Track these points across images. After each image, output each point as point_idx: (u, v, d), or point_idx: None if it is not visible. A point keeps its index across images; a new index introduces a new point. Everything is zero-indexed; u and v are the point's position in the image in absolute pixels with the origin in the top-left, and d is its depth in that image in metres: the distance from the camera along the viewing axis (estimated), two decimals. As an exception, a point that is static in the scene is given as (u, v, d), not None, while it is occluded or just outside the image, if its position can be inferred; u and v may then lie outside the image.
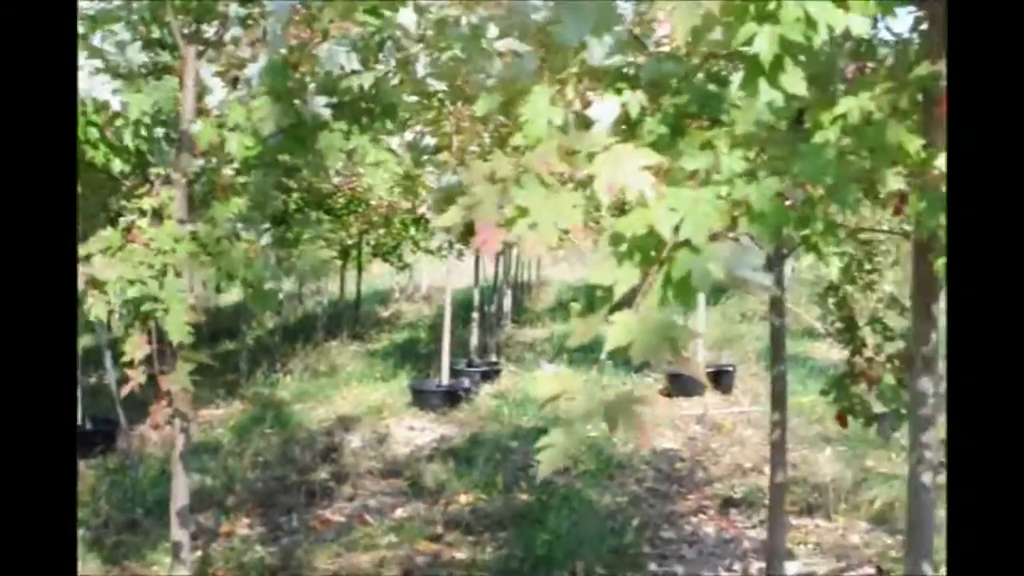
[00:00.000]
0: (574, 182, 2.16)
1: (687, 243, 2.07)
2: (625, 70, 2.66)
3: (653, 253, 2.09)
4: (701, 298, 11.87)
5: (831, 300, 5.24)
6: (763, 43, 2.06)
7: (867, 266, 5.15)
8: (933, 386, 2.78)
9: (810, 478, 7.65)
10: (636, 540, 6.54)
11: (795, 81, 2.12)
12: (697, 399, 10.95)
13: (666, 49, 3.13)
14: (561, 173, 2.15)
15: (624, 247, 2.10)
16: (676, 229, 2.08)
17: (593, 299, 2.13)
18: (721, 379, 11.50)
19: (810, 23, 2.07)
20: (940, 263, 2.17)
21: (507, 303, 17.23)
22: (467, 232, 2.44)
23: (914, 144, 2.36)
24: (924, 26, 2.73)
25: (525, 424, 9.54)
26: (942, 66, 2.49)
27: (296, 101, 3.84)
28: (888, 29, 3.11)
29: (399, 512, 7.18)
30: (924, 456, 2.80)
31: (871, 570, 6.00)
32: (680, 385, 11.16)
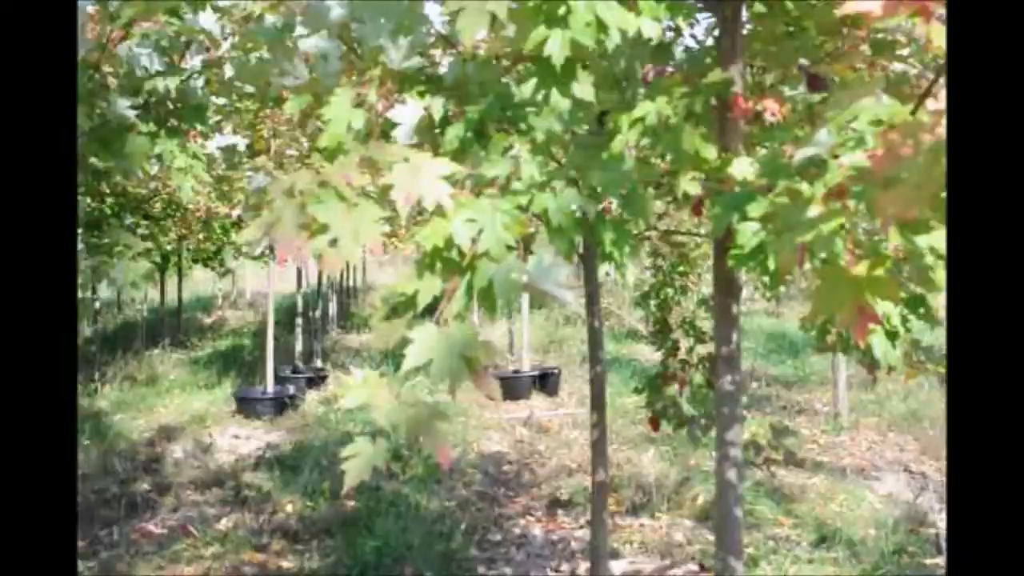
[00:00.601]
0: (373, 192, 2.14)
1: (487, 253, 2.08)
2: (428, 72, 2.65)
3: (456, 259, 2.10)
4: (524, 302, 11.99)
5: (652, 303, 5.33)
6: (555, 46, 2.08)
7: (681, 268, 5.24)
8: (735, 385, 2.83)
9: (635, 478, 7.76)
10: (464, 544, 6.52)
11: (585, 87, 2.15)
12: (524, 402, 11.04)
13: (481, 52, 3.14)
14: (362, 187, 2.13)
15: (426, 258, 2.10)
16: (475, 240, 2.09)
17: (396, 304, 2.12)
18: (546, 382, 11.62)
19: (601, 27, 2.10)
20: (732, 259, 2.21)
21: (333, 308, 17.07)
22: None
23: (709, 150, 2.42)
24: (716, 32, 2.80)
25: (352, 430, 9.45)
26: (734, 72, 2.55)
27: (100, 102, 3.71)
28: (692, 36, 3.18)
29: (223, 522, 7.02)
30: (729, 453, 2.86)
31: (695, 567, 6.12)
32: (507, 388, 11.22)
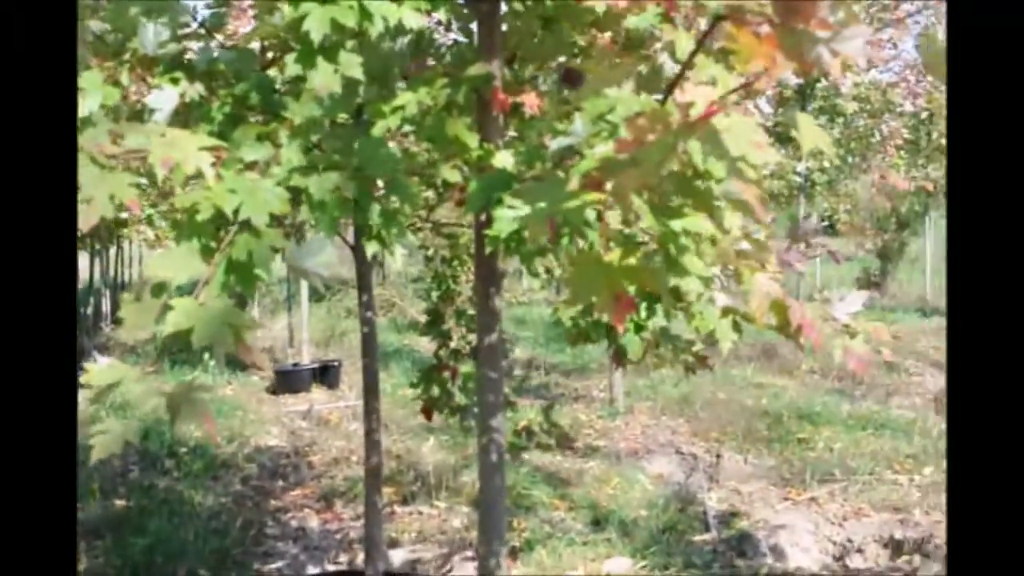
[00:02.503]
0: (128, 160, 2.12)
1: (248, 227, 2.07)
2: (182, 59, 2.61)
3: (212, 242, 2.09)
4: (304, 294, 11.89)
5: (434, 293, 5.35)
6: (314, 21, 2.10)
7: (454, 261, 5.28)
8: (498, 373, 2.88)
9: (414, 467, 7.79)
10: (240, 539, 6.44)
11: (353, 67, 2.16)
12: (304, 395, 10.94)
13: (255, 44, 3.11)
14: (115, 156, 2.10)
15: (186, 226, 2.09)
16: (236, 212, 2.08)
17: (151, 286, 2.09)
18: (327, 374, 11.53)
19: (364, 12, 2.11)
20: (489, 242, 2.25)
21: (106, 304, 16.50)
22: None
23: (472, 139, 2.46)
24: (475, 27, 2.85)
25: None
26: (494, 67, 2.59)
27: None
28: (461, 30, 3.20)
29: (-16, 529, 6.71)
30: (494, 439, 2.90)
31: (472, 553, 6.18)
32: (286, 382, 11.11)
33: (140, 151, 2.10)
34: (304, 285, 11.84)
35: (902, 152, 17.50)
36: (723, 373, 11.11)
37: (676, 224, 2.04)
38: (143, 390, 2.07)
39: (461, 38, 3.07)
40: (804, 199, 16.67)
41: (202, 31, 2.89)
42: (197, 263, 2.10)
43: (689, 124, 1.78)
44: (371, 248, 2.47)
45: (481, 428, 2.92)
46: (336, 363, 11.83)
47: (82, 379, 2.10)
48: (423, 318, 5.27)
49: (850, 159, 16.63)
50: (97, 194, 2.04)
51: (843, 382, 11.06)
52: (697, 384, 10.42)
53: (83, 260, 14.73)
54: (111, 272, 17.15)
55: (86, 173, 2.06)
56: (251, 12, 3.35)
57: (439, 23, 3.13)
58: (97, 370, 2.08)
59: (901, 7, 14.51)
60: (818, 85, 14.07)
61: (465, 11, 2.82)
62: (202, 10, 3.10)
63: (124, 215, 11.94)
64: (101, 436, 2.05)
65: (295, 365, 11.68)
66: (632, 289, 2.03)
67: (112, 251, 16.68)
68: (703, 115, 1.79)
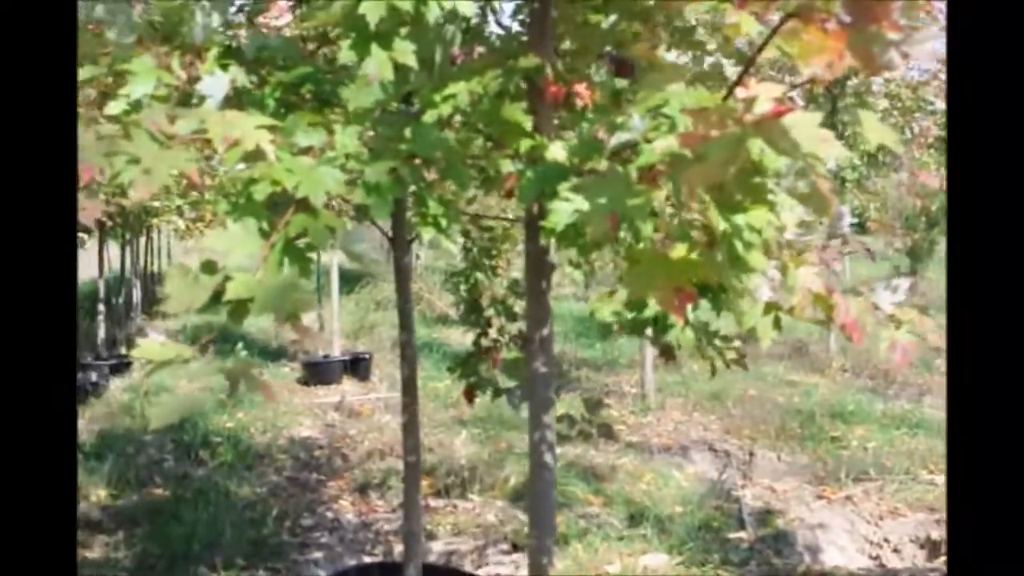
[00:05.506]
0: (186, 141, 2.14)
1: (305, 206, 2.07)
2: (230, 45, 2.62)
3: (265, 222, 2.10)
4: (334, 286, 11.89)
5: (462, 286, 5.35)
6: (370, 7, 2.09)
7: (493, 252, 5.30)
8: (548, 367, 2.86)
9: (447, 461, 7.77)
10: (276, 530, 6.44)
11: (405, 52, 2.17)
12: (335, 387, 10.93)
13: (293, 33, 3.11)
14: (173, 136, 2.12)
15: (242, 205, 2.10)
16: (295, 189, 2.10)
17: (201, 264, 2.11)
18: (358, 366, 11.53)
19: (420, -1, 2.12)
20: (545, 234, 2.24)
21: (137, 294, 16.54)
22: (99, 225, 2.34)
23: (527, 121, 2.45)
24: (523, 16, 2.84)
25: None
26: (543, 57, 2.58)
27: None
28: (497, 23, 3.18)
29: (24, 517, 6.72)
30: (545, 435, 2.88)
31: (507, 546, 6.18)
32: (317, 373, 11.12)
33: (199, 132, 2.13)
34: (335, 277, 11.86)
35: (932, 150, 17.40)
36: (754, 370, 11.04)
37: (740, 219, 2.02)
38: (198, 368, 2.11)
39: (498, 30, 3.05)
40: (836, 197, 16.60)
41: (242, 18, 2.91)
42: (254, 241, 2.11)
43: (757, 121, 1.76)
44: (427, 234, 2.48)
45: (532, 424, 2.90)
46: (367, 355, 11.83)
47: (136, 354, 2.12)
48: (452, 312, 5.26)
49: (881, 157, 16.53)
50: (156, 167, 2.06)
51: (875, 380, 10.98)
52: (729, 381, 10.36)
53: (114, 251, 14.77)
54: (141, 263, 17.21)
55: (145, 149, 2.08)
56: (285, 4, 3.36)
57: (481, 12, 3.11)
58: (152, 347, 2.10)
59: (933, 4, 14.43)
60: (849, 83, 13.98)
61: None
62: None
63: (156, 203, 11.93)
64: (159, 408, 2.08)
65: (325, 357, 11.68)
66: (692, 284, 2.01)
67: (142, 241, 16.73)
68: (772, 113, 1.77)
